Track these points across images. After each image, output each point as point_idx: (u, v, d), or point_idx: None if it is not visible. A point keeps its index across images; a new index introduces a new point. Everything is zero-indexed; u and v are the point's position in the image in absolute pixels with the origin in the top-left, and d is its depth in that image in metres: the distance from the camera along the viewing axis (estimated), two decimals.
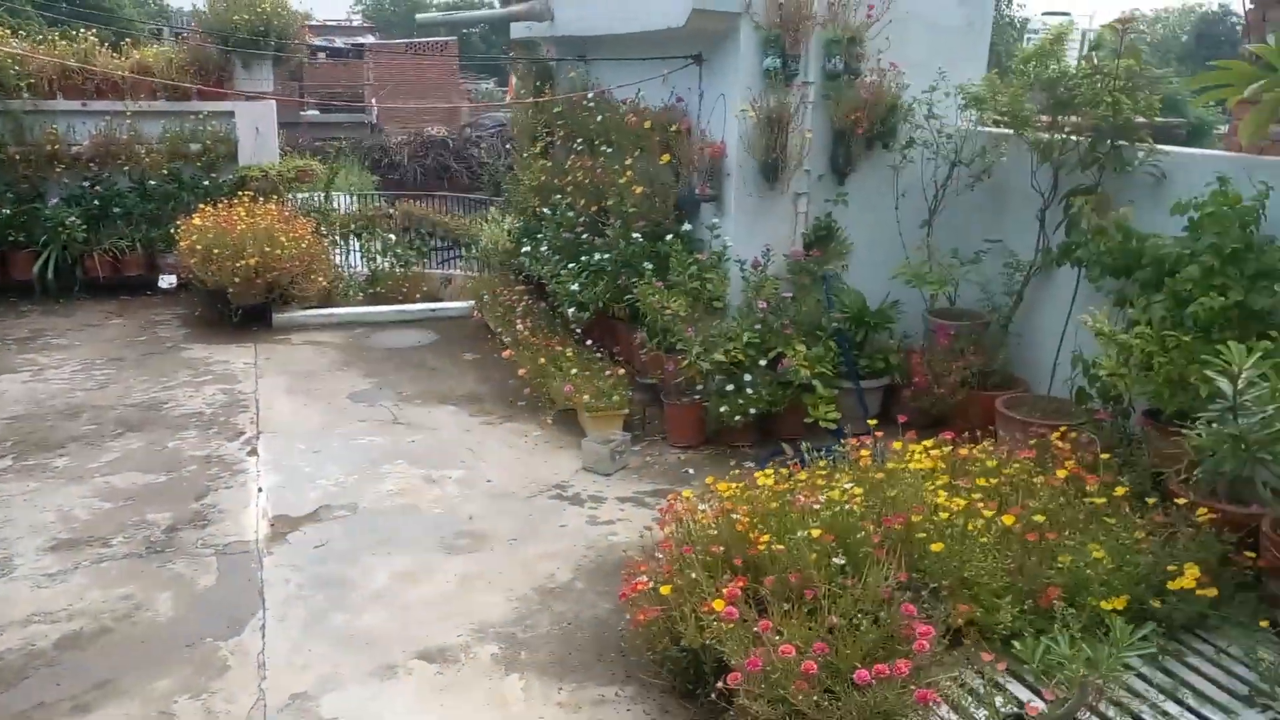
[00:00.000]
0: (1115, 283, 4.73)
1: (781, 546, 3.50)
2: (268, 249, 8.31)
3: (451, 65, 35.84)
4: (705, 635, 3.25)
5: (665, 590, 3.42)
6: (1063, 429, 4.49)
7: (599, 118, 7.11)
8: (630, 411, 6.14)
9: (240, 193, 9.54)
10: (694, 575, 3.47)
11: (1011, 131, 5.44)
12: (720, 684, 3.07)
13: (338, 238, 10.60)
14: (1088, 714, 2.87)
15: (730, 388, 5.76)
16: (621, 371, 6.31)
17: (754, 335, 5.81)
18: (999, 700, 2.97)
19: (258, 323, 8.66)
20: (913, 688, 2.88)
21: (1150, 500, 3.94)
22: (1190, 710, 3.38)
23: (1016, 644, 2.80)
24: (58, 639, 3.92)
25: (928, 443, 4.31)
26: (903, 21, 5.87)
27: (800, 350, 5.77)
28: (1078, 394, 4.82)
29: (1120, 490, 3.85)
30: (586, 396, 5.94)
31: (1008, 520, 3.55)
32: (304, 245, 8.72)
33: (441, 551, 4.70)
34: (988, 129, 5.77)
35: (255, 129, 10.10)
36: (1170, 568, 3.66)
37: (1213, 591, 3.65)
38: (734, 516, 3.72)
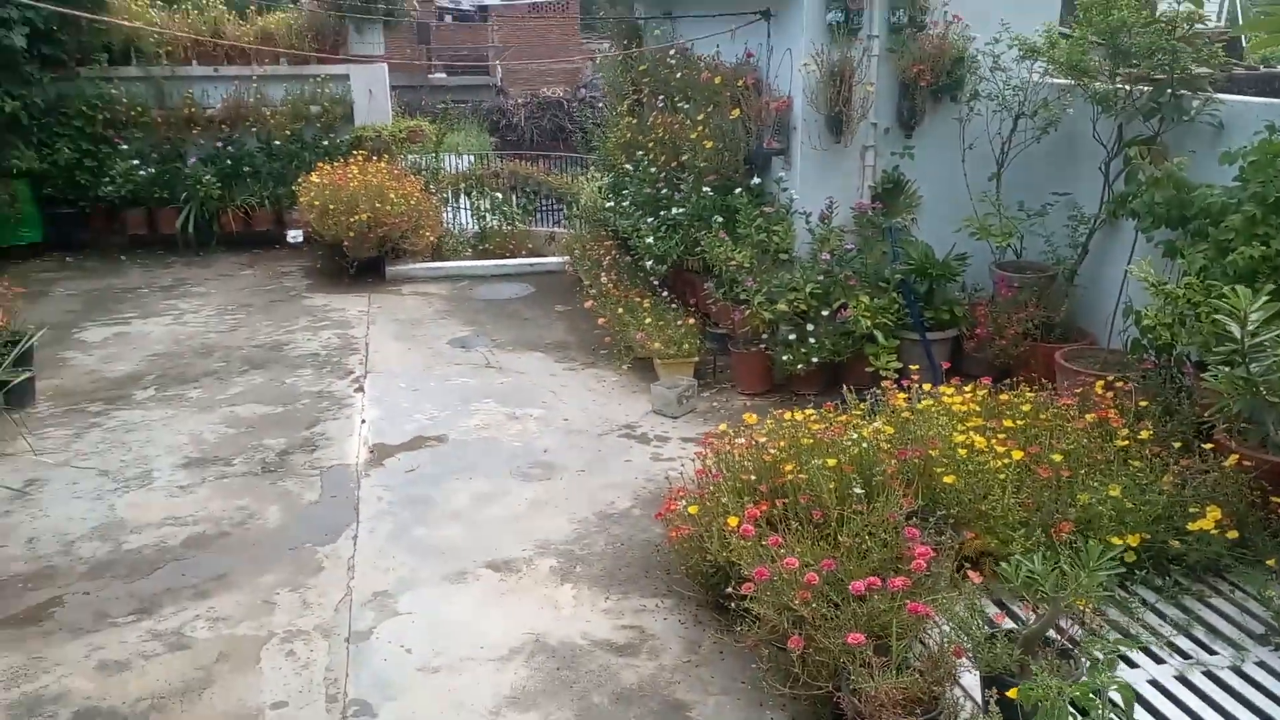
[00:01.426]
0: (1168, 234, 4.77)
1: (804, 476, 3.82)
2: (378, 205, 8.95)
3: (572, 26, 36.30)
4: (727, 551, 3.61)
5: (693, 510, 3.79)
6: (1109, 378, 4.61)
7: (678, 75, 7.38)
8: (700, 359, 6.49)
9: (355, 152, 10.23)
10: (722, 500, 3.83)
11: (1073, 82, 5.46)
12: (730, 589, 3.43)
13: (448, 195, 11.25)
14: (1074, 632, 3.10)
15: (793, 337, 6.03)
16: (692, 321, 6.65)
17: (817, 286, 6.05)
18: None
19: (372, 274, 9.34)
20: (906, 602, 3.17)
21: (1178, 445, 4.06)
22: (1202, 646, 3.56)
23: (1003, 565, 3.04)
24: (184, 539, 4.59)
25: (967, 388, 4.51)
26: None
27: (863, 301, 5.98)
28: (1132, 345, 4.90)
29: (1145, 434, 3.99)
30: (658, 344, 6.32)
31: (1016, 455, 3.76)
32: (413, 202, 9.32)
33: (517, 479, 5.19)
34: (1054, 80, 5.79)
35: (369, 91, 10.76)
36: (1192, 509, 3.80)
37: (1234, 534, 3.79)
38: (763, 447, 4.05)
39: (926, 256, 6.18)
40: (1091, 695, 2.18)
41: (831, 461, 3.75)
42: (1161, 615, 3.70)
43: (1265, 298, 3.34)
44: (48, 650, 3.75)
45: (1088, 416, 4.14)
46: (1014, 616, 3.62)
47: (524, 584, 4.21)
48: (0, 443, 5.57)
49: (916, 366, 5.00)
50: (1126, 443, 3.96)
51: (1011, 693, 2.62)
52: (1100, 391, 4.43)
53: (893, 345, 5.98)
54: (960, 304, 6.19)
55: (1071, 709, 2.25)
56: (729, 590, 3.50)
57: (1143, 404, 4.27)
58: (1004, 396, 4.49)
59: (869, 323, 5.91)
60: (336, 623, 3.92)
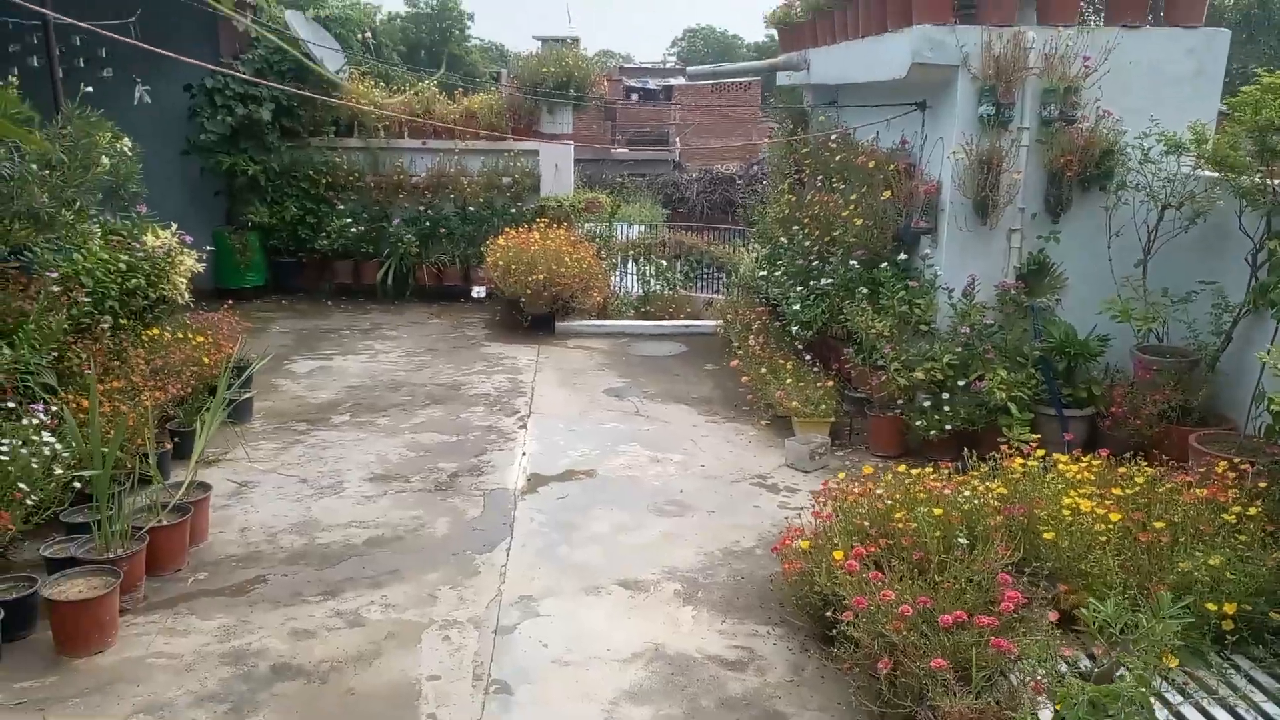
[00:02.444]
0: None
1: (913, 524, 4.14)
2: (554, 267, 9.81)
3: (752, 106, 37.48)
4: (833, 584, 3.97)
5: (804, 544, 4.17)
6: (1235, 460, 4.69)
7: (838, 157, 7.87)
8: (837, 420, 6.83)
9: (538, 219, 11.21)
10: (834, 539, 4.19)
11: (1221, 176, 5.59)
12: (830, 614, 3.79)
13: (617, 261, 12.11)
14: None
15: (929, 404, 6.30)
16: (831, 384, 7.01)
17: (955, 357, 6.32)
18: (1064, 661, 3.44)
19: (544, 329, 10.19)
20: (991, 638, 3.45)
21: None
22: None
23: (1082, 610, 3.27)
24: (365, 539, 5.33)
25: (1084, 458, 4.70)
26: (1124, 70, 6.17)
27: (1000, 374, 6.20)
28: (1265, 430, 4.94)
29: (1254, 510, 4.08)
30: (795, 402, 6.72)
31: (1114, 517, 3.95)
32: (585, 266, 10.16)
33: (653, 513, 5.69)
34: (1203, 174, 5.91)
35: (555, 165, 11.79)
36: None
37: None
38: (878, 495, 4.40)
39: (1067, 336, 6.34)
40: (1112, 697, 2.43)
41: (938, 510, 4.06)
42: (1255, 682, 3.76)
43: None
44: (252, 616, 4.50)
45: (1199, 491, 4.26)
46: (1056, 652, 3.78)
47: (650, 602, 4.68)
48: (225, 450, 6.55)
49: (1037, 437, 5.19)
50: (1233, 518, 4.06)
51: None
52: (1221, 471, 4.52)
53: (1027, 418, 6.15)
54: (1099, 384, 6.29)
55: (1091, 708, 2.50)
56: (829, 614, 3.85)
57: (1261, 485, 4.34)
58: (1122, 469, 4.64)
59: (1004, 395, 6.11)
60: (486, 617, 4.50)
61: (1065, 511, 4.07)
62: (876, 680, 3.58)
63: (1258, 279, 5.61)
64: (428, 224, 11.59)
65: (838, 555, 3.89)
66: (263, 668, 4.07)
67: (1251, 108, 5.41)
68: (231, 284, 11.19)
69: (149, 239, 6.74)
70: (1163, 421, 5.77)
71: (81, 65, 8.93)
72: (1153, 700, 2.53)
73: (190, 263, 7.03)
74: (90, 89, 6.47)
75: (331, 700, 3.85)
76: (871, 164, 7.13)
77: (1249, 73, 6.23)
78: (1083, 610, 3.30)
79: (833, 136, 8.26)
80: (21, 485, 4.52)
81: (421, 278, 11.57)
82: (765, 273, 8.46)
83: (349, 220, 11.35)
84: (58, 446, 4.78)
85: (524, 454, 6.66)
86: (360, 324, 10.53)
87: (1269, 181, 5.38)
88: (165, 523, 4.79)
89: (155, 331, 6.71)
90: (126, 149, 6.66)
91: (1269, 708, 3.61)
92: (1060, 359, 6.36)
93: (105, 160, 6.24)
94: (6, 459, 4.57)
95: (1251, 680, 3.77)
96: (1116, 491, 4.30)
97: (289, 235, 11.42)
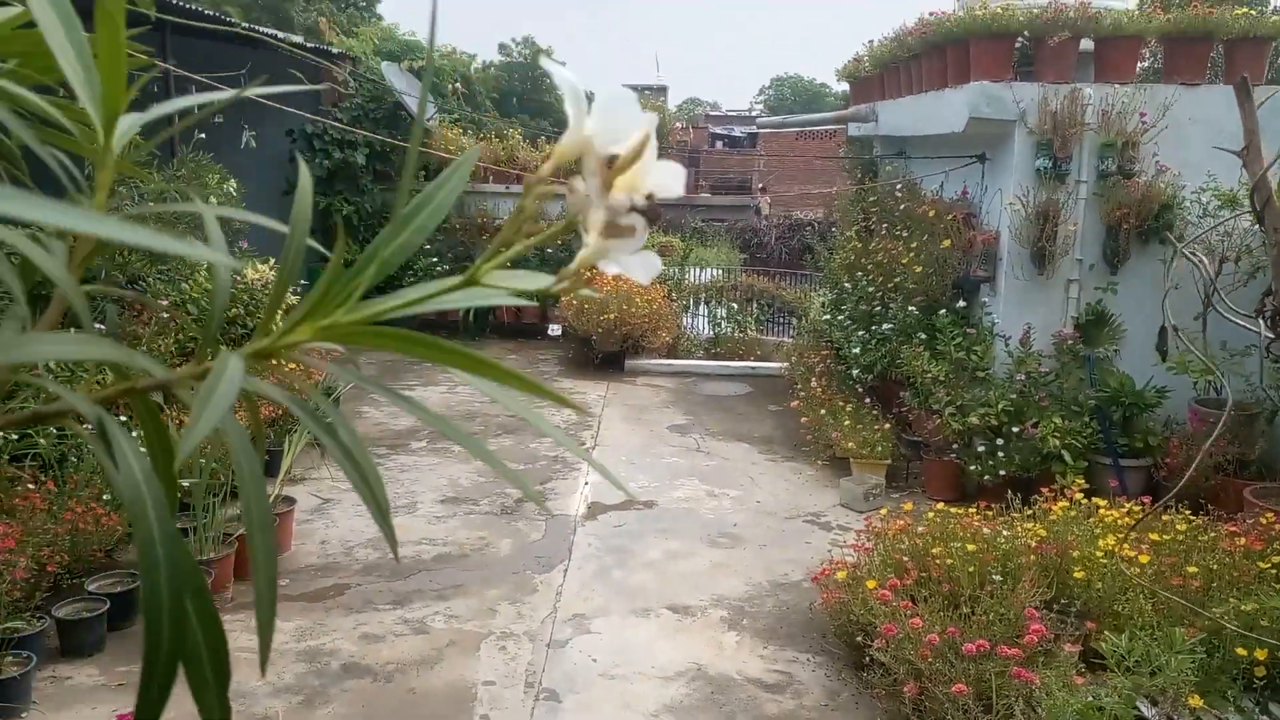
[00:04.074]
0: None
1: (951, 560, 4.30)
2: (625, 307, 10.18)
3: (836, 153, 37.71)
4: (869, 613, 4.15)
5: (841, 575, 4.36)
6: None
7: (902, 206, 8.08)
8: (893, 463, 6.98)
9: None
10: (871, 571, 4.38)
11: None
12: (861, 638, 3.97)
13: (689, 303, 12.43)
14: None
15: (983, 449, 6.42)
16: (889, 427, 7.16)
17: (1009, 404, 6.43)
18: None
19: (613, 366, 10.54)
20: (1014, 667, 3.59)
21: None
22: None
23: (1101, 643, 3.40)
24: (434, 555, 5.68)
25: (1129, 504, 4.79)
26: (1181, 127, 6.28)
27: (1055, 422, 6.29)
28: None
29: None
30: (852, 444, 6.89)
31: (1143, 559, 4.05)
32: (654, 307, 10.51)
33: (705, 544, 5.92)
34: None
35: None
36: None
37: None
38: (919, 530, 4.57)
39: (1123, 385, 6.40)
40: (1096, 709, 2.58)
41: (972, 546, 4.22)
42: None
43: None
44: (327, 620, 4.87)
45: (1240, 540, 4.32)
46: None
47: (696, 626, 4.90)
48: (310, 470, 7.01)
49: (1086, 485, 5.28)
50: (1272, 566, 4.12)
51: None
52: (1267, 522, 4.57)
53: (1081, 466, 6.22)
54: (1156, 434, 6.32)
55: None
56: (860, 641, 4.03)
57: None
58: (1165, 516, 4.72)
59: (1058, 442, 6.20)
60: (541, 631, 4.79)
61: (1099, 553, 4.19)
62: (904, 706, 3.75)
63: None
64: (509, 264, 12.08)
65: (871, 584, 4.08)
66: (334, 666, 4.42)
67: None
68: None
69: (249, 272, 7.32)
70: (1219, 474, 5.79)
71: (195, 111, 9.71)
72: None
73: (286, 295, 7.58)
74: (203, 135, 7.11)
75: (394, 698, 4.17)
76: (932, 213, 7.32)
77: None
78: (1101, 644, 3.43)
79: (898, 186, 8.46)
80: None
81: (501, 315, 12.07)
82: (829, 316, 8.67)
83: (435, 259, 11.93)
84: None
85: (586, 484, 6.96)
86: None
87: None
88: None
89: None
90: (232, 190, 7.28)
91: None
92: (1116, 409, 6.41)
93: (213, 200, 6.83)
94: None
95: None
96: (1154, 536, 4.38)
97: (377, 273, 12.03)
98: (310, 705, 4.09)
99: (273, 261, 7.62)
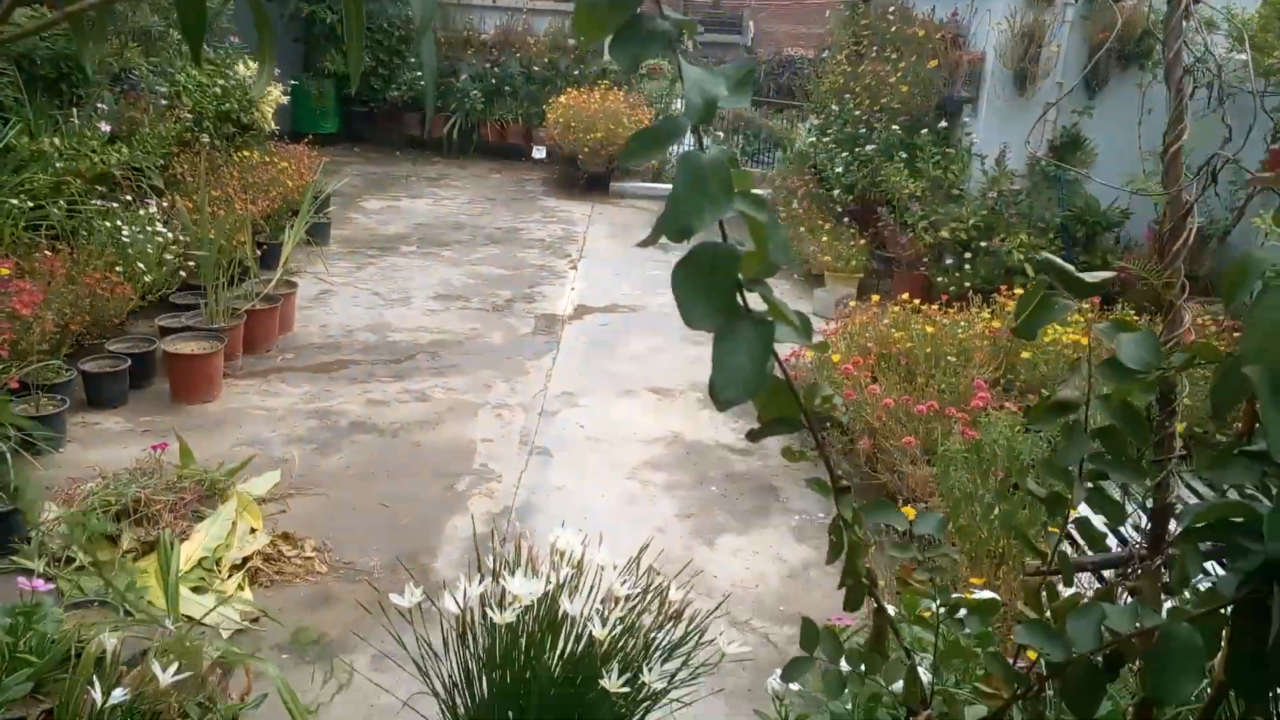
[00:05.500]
0: None
1: (910, 343, 4.69)
2: (612, 127, 10.25)
3: None
4: (832, 385, 4.55)
5: (809, 355, 4.76)
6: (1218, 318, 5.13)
7: (893, 28, 8.12)
8: (865, 277, 7.32)
9: (600, 81, 11.57)
10: (836, 356, 4.77)
11: (1248, 57, 5.83)
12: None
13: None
14: None
15: (950, 262, 6.76)
16: (864, 243, 7.47)
17: (980, 220, 6.73)
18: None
19: (598, 189, 10.70)
20: (963, 429, 4.03)
21: None
22: None
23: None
24: (429, 341, 6.03)
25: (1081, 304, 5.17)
26: None
27: (1020, 238, 6.61)
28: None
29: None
30: (828, 257, 7.21)
31: (1084, 341, 4.46)
32: (641, 127, 10.56)
33: (684, 341, 6.29)
34: (1238, 56, 6.13)
35: None
36: None
37: None
38: (883, 323, 4.94)
39: (1088, 206, 6.70)
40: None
41: (930, 328, 4.60)
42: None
43: None
44: (334, 387, 5.24)
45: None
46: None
47: (674, 404, 5.33)
48: (307, 266, 7.26)
49: None
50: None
51: None
52: (1200, 322, 4.98)
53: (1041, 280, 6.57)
54: (1115, 253, 6.68)
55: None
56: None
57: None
58: (1112, 316, 5.11)
59: (1021, 257, 6.54)
60: (532, 403, 5.19)
61: (1046, 338, 4.59)
62: (859, 458, 4.20)
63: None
64: (493, 81, 12.01)
65: (836, 358, 4.47)
66: (343, 424, 4.81)
67: None
68: (307, 129, 11.74)
69: (240, 68, 7.33)
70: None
71: None
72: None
73: (276, 94, 7.63)
74: None
75: (401, 448, 4.59)
76: (922, 33, 7.40)
77: None
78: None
79: (890, 8, 8.46)
80: (139, 264, 5.26)
81: (485, 134, 12.07)
82: (814, 139, 8.83)
83: (418, 73, 11.81)
84: (169, 235, 5.50)
85: (572, 289, 7.28)
86: (426, 173, 11.12)
87: None
88: (259, 307, 5.52)
89: (246, 153, 7.36)
90: None
91: None
92: (1080, 228, 6.74)
93: None
94: (128, 242, 5.29)
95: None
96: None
97: (362, 86, 11.92)
98: (323, 453, 4.49)
99: None
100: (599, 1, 0.79)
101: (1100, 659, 0.95)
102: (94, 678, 2.11)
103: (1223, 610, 0.86)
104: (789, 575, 3.77)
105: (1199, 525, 0.87)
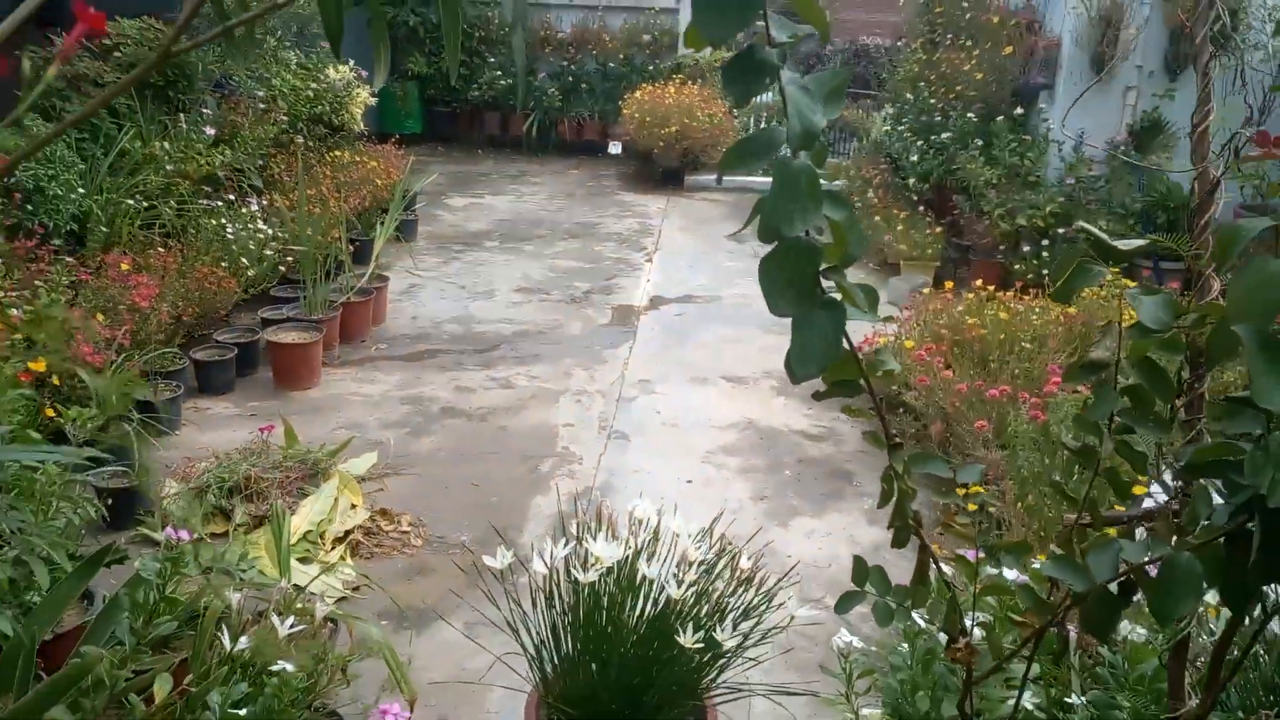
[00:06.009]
0: None
1: (985, 330, 4.74)
2: (686, 121, 10.38)
3: None
4: (905, 371, 4.64)
5: (883, 342, 4.84)
6: None
7: (968, 16, 8.08)
8: (941, 265, 7.33)
9: (675, 76, 11.71)
10: (909, 340, 4.84)
11: None
12: (896, 390, 4.49)
13: (749, 120, 12.53)
14: None
15: (1028, 250, 6.73)
16: (940, 231, 7.47)
17: (1057, 207, 6.69)
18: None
19: (673, 182, 10.84)
20: (1033, 411, 4.08)
21: None
22: None
23: None
24: (512, 332, 6.27)
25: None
26: None
27: (1100, 225, 6.55)
28: None
29: None
30: (903, 246, 7.24)
31: None
32: (716, 121, 10.68)
33: (759, 330, 6.41)
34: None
35: None
36: None
37: None
38: (957, 309, 5.00)
39: (1169, 191, 6.60)
40: None
41: (1005, 315, 4.64)
42: None
43: None
44: (424, 375, 5.51)
45: None
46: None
47: (748, 392, 5.46)
48: (396, 261, 7.59)
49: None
50: None
51: None
52: None
53: (1120, 268, 6.50)
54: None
55: None
56: (895, 392, 4.55)
57: None
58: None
59: None
60: (611, 391, 5.38)
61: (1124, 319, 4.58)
62: (930, 443, 4.28)
63: None
64: (570, 79, 12.24)
65: (909, 344, 4.55)
66: (434, 409, 5.07)
67: None
68: (393, 129, 12.17)
69: (331, 72, 7.69)
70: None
71: None
72: None
73: (365, 95, 7.97)
74: None
75: (488, 432, 4.83)
76: (997, 20, 7.37)
77: None
78: None
79: None
80: (243, 259, 5.61)
81: (563, 131, 12.31)
82: (889, 128, 8.83)
83: (498, 73, 12.12)
84: (269, 231, 5.85)
85: (648, 281, 7.45)
86: (507, 170, 11.42)
87: None
88: (354, 300, 5.82)
89: (337, 153, 7.72)
90: None
91: None
92: (1161, 214, 6.64)
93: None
94: (232, 238, 5.65)
95: None
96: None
97: (444, 86, 12.29)
98: (416, 436, 4.76)
99: (352, 63, 7.97)
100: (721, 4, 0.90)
101: (1115, 587, 1.08)
102: (223, 626, 2.36)
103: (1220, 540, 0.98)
104: (861, 556, 3.88)
105: (1198, 463, 0.99)
